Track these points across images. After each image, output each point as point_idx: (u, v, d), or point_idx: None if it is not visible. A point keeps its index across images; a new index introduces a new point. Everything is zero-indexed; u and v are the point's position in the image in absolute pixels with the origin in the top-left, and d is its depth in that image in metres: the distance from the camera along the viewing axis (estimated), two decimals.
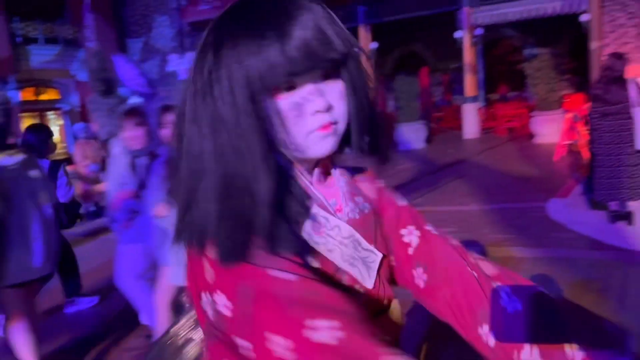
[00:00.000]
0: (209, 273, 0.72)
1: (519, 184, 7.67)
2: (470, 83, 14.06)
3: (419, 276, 0.93)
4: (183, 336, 0.98)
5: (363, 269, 0.88)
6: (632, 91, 4.93)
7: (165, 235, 2.80)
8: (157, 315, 3.12)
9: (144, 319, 3.62)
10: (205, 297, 0.73)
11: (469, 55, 13.88)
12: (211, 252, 0.72)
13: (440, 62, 18.05)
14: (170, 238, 0.81)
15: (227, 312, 0.70)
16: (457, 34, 13.80)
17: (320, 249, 0.83)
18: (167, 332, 1.02)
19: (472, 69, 14.05)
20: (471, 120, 13.89)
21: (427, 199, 7.18)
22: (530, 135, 12.12)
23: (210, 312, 0.73)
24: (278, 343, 0.67)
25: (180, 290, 2.81)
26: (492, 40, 16.44)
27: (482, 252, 4.69)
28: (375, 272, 0.90)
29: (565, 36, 15.14)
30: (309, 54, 0.72)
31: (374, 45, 15.04)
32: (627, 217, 5.07)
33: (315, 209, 0.82)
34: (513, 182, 7.87)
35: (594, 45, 9.78)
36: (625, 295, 3.67)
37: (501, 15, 13.19)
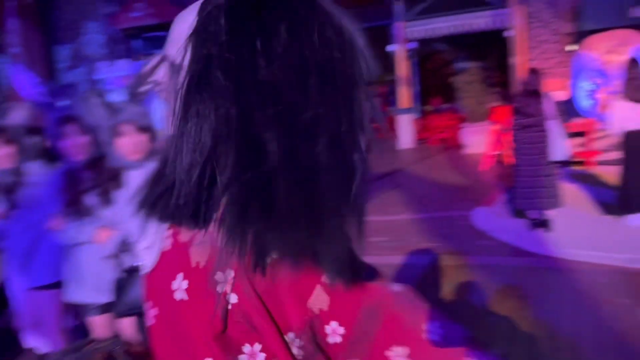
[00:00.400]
0: (321, 300, 0.70)
1: (448, 193, 7.93)
2: (404, 95, 14.45)
3: None
4: None
5: None
6: (547, 105, 5.22)
7: (66, 250, 2.68)
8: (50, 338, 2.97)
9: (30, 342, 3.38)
10: (289, 337, 0.71)
11: (403, 68, 14.27)
12: (323, 276, 0.69)
13: (377, 74, 18.44)
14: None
15: (338, 339, 0.71)
16: (391, 48, 14.17)
17: None
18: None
19: (407, 81, 14.45)
20: (406, 131, 14.26)
21: None
22: (461, 146, 12.58)
23: (297, 351, 0.71)
24: (397, 353, 0.71)
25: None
26: (426, 53, 17.00)
27: (423, 259, 4.82)
28: None
29: (493, 51, 15.88)
30: None
31: None
32: (545, 224, 5.34)
33: None
34: (443, 191, 8.13)
35: (515, 60, 10.31)
36: (543, 299, 3.85)
37: (433, 29, 13.67)
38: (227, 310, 0.71)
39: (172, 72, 0.73)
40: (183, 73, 0.67)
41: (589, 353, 3.04)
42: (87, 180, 2.75)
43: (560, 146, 5.10)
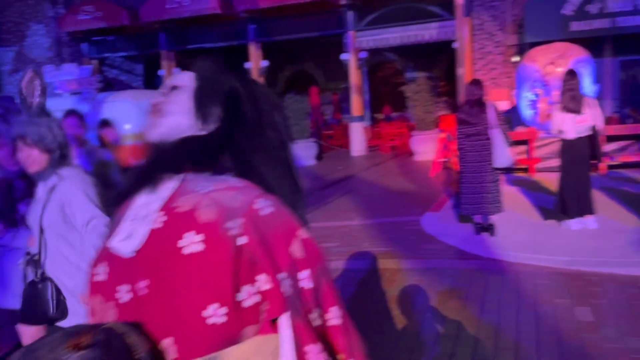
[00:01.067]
0: (298, 252, 0.94)
1: (398, 199, 8.10)
2: (356, 103, 14.66)
3: None
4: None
5: None
6: (490, 114, 5.43)
7: None
8: None
9: None
10: (281, 276, 0.90)
11: (355, 76, 14.49)
12: (305, 233, 0.97)
13: (330, 81, 18.65)
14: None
15: (307, 286, 0.93)
16: (344, 56, 14.36)
17: None
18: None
19: (358, 89, 14.67)
20: (358, 139, 14.46)
21: (314, 215, 7.32)
22: (411, 153, 12.86)
23: (288, 289, 0.90)
24: (337, 313, 0.95)
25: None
26: (377, 63, 17.33)
27: (372, 264, 4.89)
28: None
29: (441, 61, 16.37)
30: None
31: (265, 63, 15.19)
32: (489, 228, 5.54)
33: None
34: (393, 197, 8.29)
35: (460, 70, 10.66)
36: (487, 300, 3.99)
37: (383, 40, 13.95)
38: (239, 250, 0.89)
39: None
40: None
41: (531, 352, 3.18)
42: (21, 190, 2.68)
43: (503, 154, 5.31)
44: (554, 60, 9.17)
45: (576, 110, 5.31)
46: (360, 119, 14.74)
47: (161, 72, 15.87)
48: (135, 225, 0.93)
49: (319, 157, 14.01)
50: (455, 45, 12.56)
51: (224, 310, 0.87)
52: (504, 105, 10.42)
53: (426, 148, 11.89)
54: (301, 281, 0.93)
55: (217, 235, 0.89)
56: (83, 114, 3.82)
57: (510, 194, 6.95)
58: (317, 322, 0.93)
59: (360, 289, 4.39)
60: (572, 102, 5.31)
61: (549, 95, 9.11)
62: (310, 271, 0.93)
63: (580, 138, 5.36)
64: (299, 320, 0.90)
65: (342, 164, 12.87)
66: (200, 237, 0.89)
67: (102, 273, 0.97)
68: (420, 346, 3.32)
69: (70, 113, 3.70)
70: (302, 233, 0.97)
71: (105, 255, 0.98)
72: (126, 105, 11.12)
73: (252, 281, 0.89)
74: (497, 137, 5.31)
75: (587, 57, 9.33)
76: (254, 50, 15.04)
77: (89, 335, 0.78)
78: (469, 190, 5.53)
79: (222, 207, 0.92)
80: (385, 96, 17.70)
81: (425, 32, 13.37)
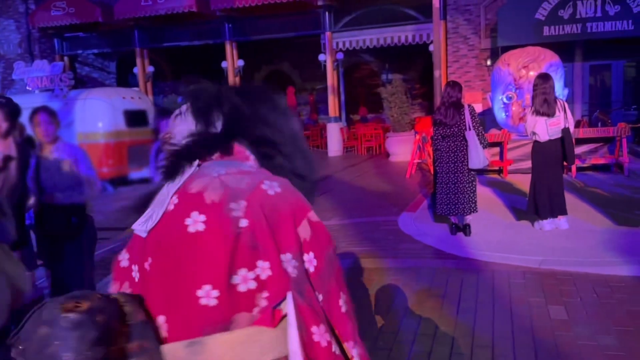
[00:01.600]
0: (305, 233, 0.94)
1: (374, 199, 8.15)
2: (333, 104, 14.70)
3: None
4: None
5: None
6: (467, 115, 5.50)
7: None
8: None
9: None
10: (286, 257, 0.90)
11: (331, 77, 14.52)
12: (313, 216, 0.97)
13: (307, 82, 18.66)
14: None
15: (312, 269, 0.93)
16: (321, 57, 14.39)
17: None
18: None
19: (335, 90, 14.72)
20: (335, 139, 14.50)
21: None
22: (387, 154, 12.96)
23: (293, 270, 0.90)
24: (343, 299, 0.96)
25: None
26: (353, 64, 17.41)
27: (350, 263, 4.91)
28: None
29: (417, 64, 16.53)
30: None
31: (241, 62, 15.12)
32: (465, 229, 5.62)
33: None
34: (370, 197, 8.34)
35: (437, 73, 10.79)
36: (463, 299, 4.05)
37: (359, 41, 14.02)
38: (238, 232, 0.90)
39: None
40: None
41: (507, 350, 3.23)
42: None
43: (479, 155, 5.39)
44: (526, 64, 9.35)
45: (548, 113, 5.42)
46: (337, 119, 14.80)
47: (135, 69, 15.64)
48: (155, 208, 0.98)
49: None
50: (431, 48, 12.70)
51: (216, 293, 0.88)
52: (477, 108, 10.59)
53: (402, 149, 12.00)
54: (307, 263, 0.93)
55: (218, 216, 0.90)
56: (55, 111, 3.74)
57: (484, 194, 7.05)
58: (322, 306, 0.93)
59: None
60: (545, 105, 5.43)
61: (522, 98, 9.30)
62: (318, 254, 0.93)
63: (552, 140, 5.48)
64: (304, 302, 0.89)
65: (319, 164, 12.88)
66: (203, 217, 0.91)
67: (124, 259, 1.04)
68: (398, 345, 3.34)
69: (41, 109, 3.62)
70: (312, 216, 0.97)
71: (130, 242, 1.05)
72: (98, 103, 10.94)
73: (250, 266, 0.89)
74: (473, 138, 5.39)
75: (558, 61, 9.54)
76: (229, 50, 14.94)
77: (89, 301, 0.83)
78: (445, 191, 5.60)
79: (228, 189, 0.94)
80: (362, 97, 17.81)
81: (402, 34, 13.50)
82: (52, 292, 3.70)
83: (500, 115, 10.00)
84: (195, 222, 0.91)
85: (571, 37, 11.48)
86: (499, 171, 9.53)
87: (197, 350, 0.87)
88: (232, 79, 14.92)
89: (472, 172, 5.55)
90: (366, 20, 13.76)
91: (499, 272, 4.60)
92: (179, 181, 1.00)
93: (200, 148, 1.05)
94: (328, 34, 14.11)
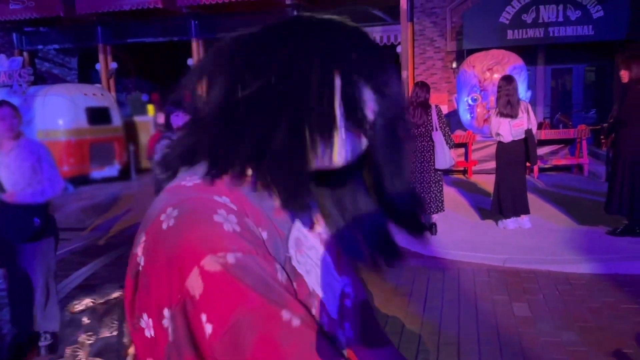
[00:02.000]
0: (195, 286, 0.63)
1: None
2: None
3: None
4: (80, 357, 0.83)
5: (329, 295, 0.81)
6: (434, 116, 5.56)
7: None
8: None
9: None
10: (168, 314, 0.65)
11: None
12: (211, 264, 0.63)
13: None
14: None
15: (207, 333, 0.63)
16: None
17: (300, 269, 0.76)
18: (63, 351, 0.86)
19: None
20: None
21: None
22: None
23: (171, 331, 0.65)
24: None
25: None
26: None
27: None
28: (339, 302, 0.84)
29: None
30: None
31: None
32: (431, 228, 5.68)
33: (297, 223, 0.77)
34: None
35: (404, 74, 10.90)
36: (428, 297, 4.08)
37: None
38: (137, 272, 0.70)
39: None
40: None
41: (473, 346, 3.27)
42: None
43: (445, 156, 5.45)
44: (491, 67, 9.54)
45: (512, 115, 5.53)
46: None
47: (98, 66, 15.28)
48: None
49: None
50: (399, 49, 12.82)
51: (130, 332, 0.76)
52: (443, 109, 10.74)
53: None
54: (199, 327, 0.64)
55: (131, 253, 0.72)
56: (16, 105, 3.60)
57: (450, 194, 7.14)
58: None
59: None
60: (508, 107, 5.53)
61: (486, 100, 9.47)
62: (211, 318, 0.63)
63: (515, 141, 5.59)
64: None
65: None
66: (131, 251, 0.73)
67: None
68: None
69: (3, 103, 3.48)
70: (209, 264, 0.64)
71: None
72: (59, 99, 10.63)
73: (149, 313, 0.69)
74: (439, 139, 5.45)
75: (522, 64, 9.76)
76: (196, 47, 14.75)
77: (104, 300, 0.80)
78: None
79: (146, 215, 0.73)
80: None
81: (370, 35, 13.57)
82: (9, 295, 3.56)
83: (465, 116, 10.16)
84: (138, 254, 0.73)
85: (534, 41, 11.75)
86: (464, 171, 9.68)
87: None
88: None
89: (438, 172, 5.61)
90: None
91: (464, 270, 4.67)
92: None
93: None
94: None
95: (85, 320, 0.82)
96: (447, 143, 5.52)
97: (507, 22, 11.58)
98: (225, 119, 0.74)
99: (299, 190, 0.73)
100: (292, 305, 0.65)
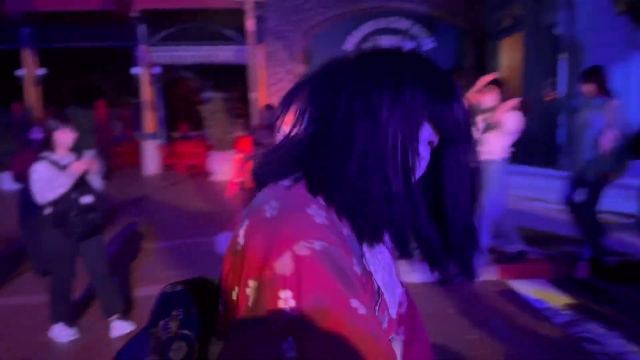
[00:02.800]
0: (285, 266, 0.75)
1: (194, 219, 7.98)
2: (150, 120, 14.12)
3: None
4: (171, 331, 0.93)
5: (391, 298, 0.91)
6: (279, 137, 5.72)
7: None
8: None
9: None
10: (253, 284, 0.77)
11: (147, 92, 13.96)
12: (302, 249, 0.75)
13: (121, 96, 17.61)
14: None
15: (287, 307, 0.74)
16: (135, 70, 13.76)
17: (371, 267, 0.87)
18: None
19: (152, 106, 14.16)
20: (151, 157, 13.90)
21: None
22: (208, 173, 12.82)
23: (252, 299, 0.76)
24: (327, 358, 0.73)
25: None
26: (173, 79, 16.96)
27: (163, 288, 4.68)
28: (397, 304, 0.95)
29: (238, 84, 16.74)
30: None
31: (42, 71, 13.74)
32: None
33: None
34: (189, 218, 8.14)
35: (253, 95, 11.09)
36: None
37: (178, 57, 13.74)
38: (235, 250, 0.83)
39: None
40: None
41: None
42: None
43: None
44: None
45: None
46: (154, 136, 14.22)
47: None
48: None
49: (107, 176, 13.09)
50: (250, 69, 12.99)
51: (224, 303, 0.87)
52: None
53: (224, 168, 11.97)
54: (281, 301, 0.74)
55: (234, 234, 0.87)
56: None
57: None
58: (290, 355, 0.73)
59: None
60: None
61: None
62: (297, 295, 0.73)
63: None
64: (251, 339, 0.76)
65: (134, 184, 12.22)
66: (241, 231, 0.86)
67: None
68: None
69: None
70: (301, 249, 0.75)
71: None
72: None
73: (241, 285, 0.81)
74: None
75: None
76: (28, 57, 13.48)
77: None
78: None
79: (250, 206, 0.88)
80: (183, 114, 17.40)
81: (220, 53, 13.55)
82: None
83: None
84: (240, 235, 0.87)
85: None
86: None
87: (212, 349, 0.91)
88: (31, 88, 13.47)
89: None
90: (184, 37, 13.52)
91: None
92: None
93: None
94: (143, 46, 13.54)
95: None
96: None
97: (351, 49, 12.37)
98: (322, 142, 0.85)
99: (374, 229, 0.85)
100: (361, 295, 0.77)
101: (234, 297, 0.82)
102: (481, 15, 13.02)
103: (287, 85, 13.38)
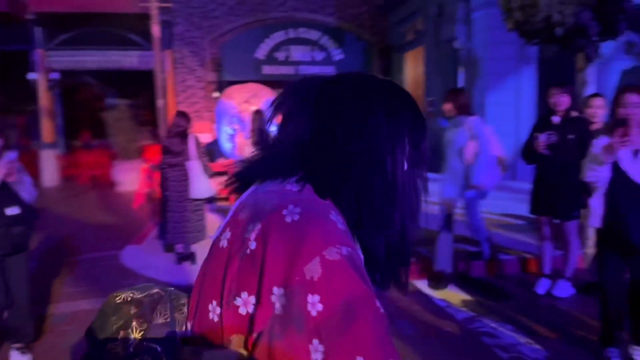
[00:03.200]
0: (314, 271, 0.77)
1: (98, 233, 7.60)
2: (47, 128, 13.27)
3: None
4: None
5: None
6: (191, 145, 5.62)
7: None
8: None
9: None
10: (279, 291, 0.78)
11: (45, 98, 13.12)
12: (331, 254, 0.79)
13: (15, 103, 16.40)
14: None
15: (314, 312, 0.76)
16: (31, 76, 12.90)
17: None
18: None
19: (50, 113, 13.33)
20: (50, 168, 13.07)
21: None
22: (113, 184, 12.26)
23: (279, 307, 0.77)
24: None
25: None
26: (73, 85, 16.07)
27: (64, 307, 4.40)
28: None
29: (144, 90, 16.18)
30: None
31: None
32: (190, 257, 5.67)
33: None
34: (92, 231, 7.74)
35: (160, 102, 10.79)
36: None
37: (79, 62, 13.06)
38: (243, 254, 0.82)
39: None
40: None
41: None
42: None
43: (202, 185, 5.54)
44: (248, 99, 10.04)
45: None
46: (53, 145, 13.38)
47: None
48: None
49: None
50: (157, 75, 12.63)
51: (218, 310, 0.85)
52: (206, 138, 10.88)
53: (130, 178, 11.50)
54: (309, 305, 0.76)
55: (236, 236, 0.86)
56: None
57: (213, 222, 7.24)
58: (316, 357, 0.75)
59: (52, 337, 3.95)
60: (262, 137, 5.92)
61: (244, 131, 9.93)
62: (325, 299, 0.76)
63: None
64: (279, 341, 0.77)
65: None
66: (229, 234, 0.88)
67: None
68: None
69: None
70: (330, 253, 0.79)
71: None
72: None
73: (252, 290, 0.81)
74: (195, 168, 5.52)
75: None
76: None
77: (146, 294, 0.96)
78: (173, 219, 5.59)
79: (255, 209, 0.88)
80: (83, 122, 16.50)
81: (126, 59, 13.06)
82: None
83: (226, 145, 10.47)
84: (224, 239, 0.89)
85: (287, 77, 12.82)
86: (227, 199, 9.92)
87: None
88: None
89: (197, 201, 5.66)
90: (86, 41, 12.88)
91: None
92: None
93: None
94: (40, 51, 12.73)
95: (133, 309, 0.91)
96: (206, 172, 5.62)
97: (263, 57, 12.41)
98: (324, 148, 0.91)
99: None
100: (376, 296, 0.82)
101: (239, 303, 0.82)
102: (387, 28, 13.57)
103: (196, 92, 13.16)
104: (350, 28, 13.46)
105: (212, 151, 9.70)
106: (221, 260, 0.87)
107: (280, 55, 12.56)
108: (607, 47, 7.82)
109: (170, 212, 5.62)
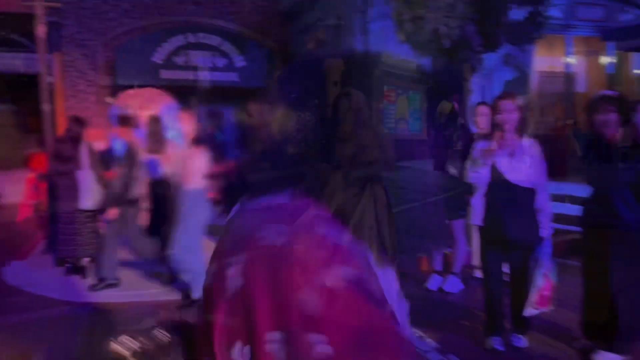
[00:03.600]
0: (314, 304, 0.62)
1: None
2: None
3: None
4: None
5: None
6: (84, 153, 5.31)
7: None
8: None
9: None
10: (275, 336, 0.64)
11: None
12: (328, 280, 0.63)
13: None
14: None
15: (322, 356, 0.63)
16: None
17: None
18: None
19: None
20: None
21: None
22: None
23: (278, 352, 0.64)
24: None
25: None
26: None
27: None
28: None
29: (32, 94, 15.04)
30: None
31: None
32: (81, 271, 5.35)
33: None
34: None
35: (46, 107, 10.14)
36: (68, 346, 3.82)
37: None
38: (231, 295, 0.66)
39: None
40: None
41: None
42: None
43: (92, 194, 5.25)
44: (143, 105, 9.68)
45: (158, 152, 5.75)
46: None
47: None
48: None
49: None
50: (44, 79, 11.83)
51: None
52: (100, 145, 10.32)
53: (13, 189, 10.62)
54: (313, 345, 0.63)
55: (220, 271, 0.71)
56: None
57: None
58: None
59: None
60: (156, 144, 5.74)
61: (141, 137, 9.56)
62: (333, 336, 0.62)
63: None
64: None
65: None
66: (212, 268, 0.78)
67: None
68: None
69: None
70: (334, 278, 0.62)
71: None
72: None
73: (244, 339, 0.68)
74: (85, 178, 5.24)
75: (174, 104, 10.22)
76: None
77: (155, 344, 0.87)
78: (62, 232, 5.26)
79: (237, 236, 0.73)
80: None
81: (7, 61, 12.09)
82: None
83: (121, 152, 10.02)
84: (209, 273, 0.77)
85: (186, 83, 12.52)
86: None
87: None
88: None
89: (88, 212, 5.35)
90: None
91: (120, 311, 4.54)
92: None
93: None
94: None
95: None
96: (99, 182, 5.34)
97: (160, 62, 12.04)
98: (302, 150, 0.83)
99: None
100: (392, 313, 0.70)
101: (235, 356, 0.70)
102: (289, 36, 13.72)
103: (88, 96, 12.46)
104: (253, 35, 13.44)
105: (106, 159, 9.21)
106: (209, 301, 0.73)
107: (180, 60, 12.27)
108: (489, 59, 8.47)
109: (59, 224, 5.28)
